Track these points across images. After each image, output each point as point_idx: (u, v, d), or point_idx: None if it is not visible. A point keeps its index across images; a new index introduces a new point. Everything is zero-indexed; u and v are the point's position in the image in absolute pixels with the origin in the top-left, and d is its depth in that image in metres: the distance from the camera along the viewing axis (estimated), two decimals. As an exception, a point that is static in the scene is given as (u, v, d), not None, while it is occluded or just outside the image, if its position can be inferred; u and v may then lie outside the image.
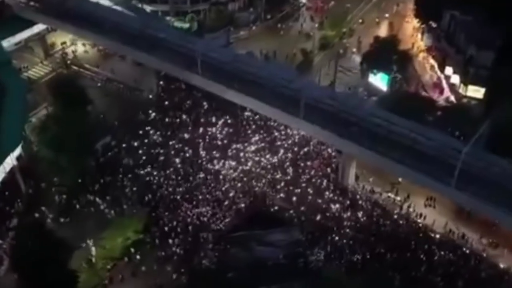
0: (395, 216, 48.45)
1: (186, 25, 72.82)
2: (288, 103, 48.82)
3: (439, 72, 64.67)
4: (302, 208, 48.85)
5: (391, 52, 60.12)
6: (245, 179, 51.86)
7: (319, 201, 49.66)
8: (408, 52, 62.59)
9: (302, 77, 53.29)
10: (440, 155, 42.98)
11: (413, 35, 74.42)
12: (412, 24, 75.76)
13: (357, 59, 65.85)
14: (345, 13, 76.52)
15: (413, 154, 43.68)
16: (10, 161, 48.33)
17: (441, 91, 62.96)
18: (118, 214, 48.16)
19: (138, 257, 44.59)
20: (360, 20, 77.02)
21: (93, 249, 43.90)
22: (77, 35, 66.03)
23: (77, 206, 49.36)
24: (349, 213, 48.50)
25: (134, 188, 50.85)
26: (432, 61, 67.18)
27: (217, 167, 53.18)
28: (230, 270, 42.91)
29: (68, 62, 69.11)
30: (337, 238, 46.12)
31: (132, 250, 45.54)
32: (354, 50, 70.75)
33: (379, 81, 60.94)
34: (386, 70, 59.70)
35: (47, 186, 50.81)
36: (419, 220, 48.11)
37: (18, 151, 49.53)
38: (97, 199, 49.82)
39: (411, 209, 49.16)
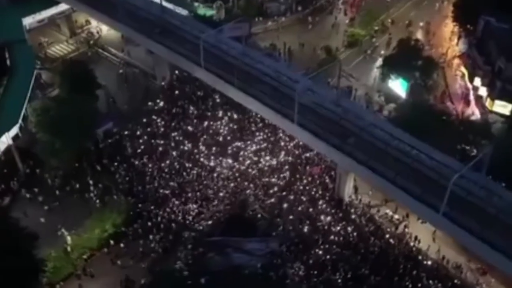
0: (388, 236, 45.42)
1: (211, 12, 71.00)
2: (285, 104, 46.42)
3: (468, 83, 59.97)
4: (291, 217, 46.66)
5: (415, 57, 56.16)
6: (239, 179, 50.11)
7: (310, 210, 47.28)
8: (433, 58, 57.97)
9: (304, 76, 49.98)
10: (436, 176, 39.65)
11: (450, 39, 69.43)
12: (450, 27, 70.62)
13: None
14: (379, 10, 72.20)
15: (408, 172, 40.57)
16: (6, 140, 48.68)
17: (468, 104, 58.47)
18: (104, 203, 47.59)
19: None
20: (390, 20, 72.20)
21: (68, 238, 43.62)
22: (92, 17, 65.79)
23: (68, 191, 49.26)
24: (338, 227, 45.86)
25: (127, 178, 50.21)
26: (463, 70, 62.41)
27: (213, 163, 51.70)
28: (204, 275, 41.65)
29: (91, 42, 69.11)
30: (320, 252, 43.74)
31: (112, 242, 45.09)
32: (383, 52, 66.68)
33: (399, 87, 57.17)
34: (407, 76, 55.79)
35: (43, 168, 50.95)
36: (412, 243, 44.84)
37: (14, 130, 49.72)
38: (91, 186, 49.53)
39: (407, 230, 45.93)
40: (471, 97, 58.34)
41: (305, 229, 45.80)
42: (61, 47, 69.12)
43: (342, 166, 44.94)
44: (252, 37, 68.83)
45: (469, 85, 59.44)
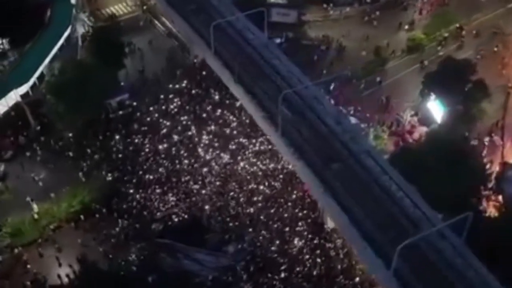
0: (358, 279, 40.39)
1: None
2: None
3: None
4: (263, 232, 43.20)
5: (464, 79, 48.42)
6: (228, 179, 47.32)
7: (286, 229, 43.39)
8: (484, 82, 49.45)
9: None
10: (409, 227, 34.22)
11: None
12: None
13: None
14: (458, 14, 63.17)
15: (378, 215, 35.35)
16: (14, 96, 49.84)
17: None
18: (87, 177, 47.37)
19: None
20: (463, 27, 62.94)
21: (35, 206, 43.97)
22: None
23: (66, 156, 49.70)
24: (308, 256, 41.64)
25: (120, 155, 49.50)
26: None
27: (208, 156, 49.24)
28: (152, 274, 40.13)
29: (145, 8, 68.41)
30: (277, 278, 40.07)
31: (82, 217, 44.93)
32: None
33: (437, 109, 50.01)
34: (448, 98, 48.42)
35: (50, 129, 51.71)
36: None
37: (24, 88, 50.63)
38: (87, 156, 49.55)
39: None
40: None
41: (273, 248, 42.11)
42: (118, 7, 69.10)
43: (313, 191, 40.15)
44: (305, 25, 64.26)
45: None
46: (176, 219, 43.68)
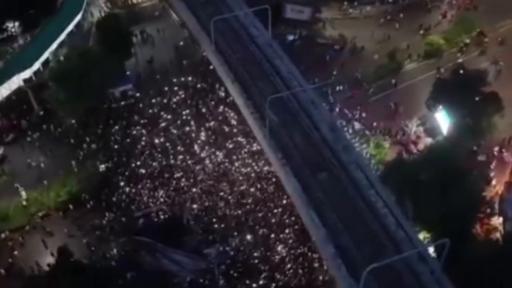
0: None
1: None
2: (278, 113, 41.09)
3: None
4: (249, 237, 42.18)
5: (475, 90, 45.87)
6: (220, 178, 46.46)
7: (272, 236, 42.24)
8: (498, 96, 46.64)
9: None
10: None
11: None
12: None
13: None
14: (480, 21, 59.86)
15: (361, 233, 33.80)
16: (17, 80, 50.10)
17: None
18: (81, 166, 47.31)
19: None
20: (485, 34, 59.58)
21: (23, 193, 44.11)
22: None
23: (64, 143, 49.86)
24: (289, 265, 40.41)
25: (116, 146, 49.24)
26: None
27: (204, 154, 48.45)
28: (131, 271, 39.75)
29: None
30: (257, 285, 39.11)
31: (71, 207, 44.91)
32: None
33: (443, 120, 47.63)
34: (453, 110, 46.00)
35: (52, 115, 51.86)
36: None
37: (28, 73, 50.78)
38: (85, 144, 49.54)
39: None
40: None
41: (255, 254, 41.07)
42: (138, -6, 68.74)
43: (294, 200, 38.54)
44: (322, 23, 62.31)
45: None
46: (160, 217, 42.92)
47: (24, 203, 44.24)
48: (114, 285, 39.26)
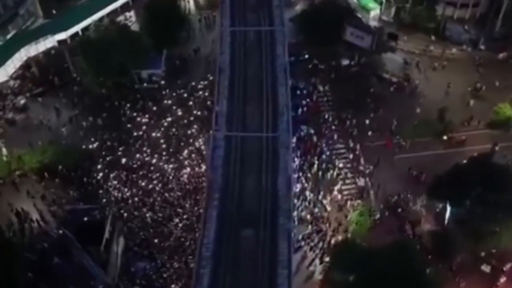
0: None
1: (374, 5, 57.75)
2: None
3: None
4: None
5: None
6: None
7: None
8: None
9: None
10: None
11: None
12: None
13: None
14: None
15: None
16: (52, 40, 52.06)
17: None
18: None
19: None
20: None
21: (4, 150, 45.80)
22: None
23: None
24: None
25: (118, 127, 49.42)
26: None
27: (186, 162, 46.56)
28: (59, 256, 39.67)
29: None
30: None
31: (46, 175, 45.74)
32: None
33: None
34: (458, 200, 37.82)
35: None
36: None
37: (63, 35, 52.75)
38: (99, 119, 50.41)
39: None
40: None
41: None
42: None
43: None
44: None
45: None
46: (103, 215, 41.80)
47: (5, 158, 45.82)
48: (40, 265, 39.31)
